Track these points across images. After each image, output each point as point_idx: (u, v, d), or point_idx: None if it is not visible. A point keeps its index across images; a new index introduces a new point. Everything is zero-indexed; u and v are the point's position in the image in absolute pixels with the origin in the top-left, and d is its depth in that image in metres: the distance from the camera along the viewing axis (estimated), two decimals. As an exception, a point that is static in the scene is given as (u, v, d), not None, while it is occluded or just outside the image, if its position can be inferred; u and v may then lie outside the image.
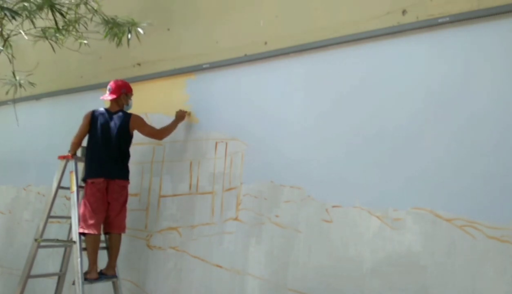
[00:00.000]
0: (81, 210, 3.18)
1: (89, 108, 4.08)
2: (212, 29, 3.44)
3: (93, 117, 3.30)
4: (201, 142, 3.33)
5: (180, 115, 3.36)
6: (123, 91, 3.36)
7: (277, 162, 2.95)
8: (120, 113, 3.32)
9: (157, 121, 3.60)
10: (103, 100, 3.41)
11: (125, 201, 3.28)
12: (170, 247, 3.32)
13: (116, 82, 3.38)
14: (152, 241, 3.46)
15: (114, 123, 3.27)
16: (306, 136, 2.86)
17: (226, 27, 3.37)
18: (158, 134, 3.33)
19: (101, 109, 3.35)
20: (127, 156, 3.32)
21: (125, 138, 3.29)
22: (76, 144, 3.37)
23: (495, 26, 2.37)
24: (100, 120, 3.28)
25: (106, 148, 3.22)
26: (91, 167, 3.24)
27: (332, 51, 2.86)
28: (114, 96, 3.33)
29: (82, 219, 3.15)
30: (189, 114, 3.40)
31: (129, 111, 3.38)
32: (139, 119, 3.33)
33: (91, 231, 3.12)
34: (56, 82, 4.37)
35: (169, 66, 3.62)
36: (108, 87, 3.35)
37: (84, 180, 3.26)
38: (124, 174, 3.28)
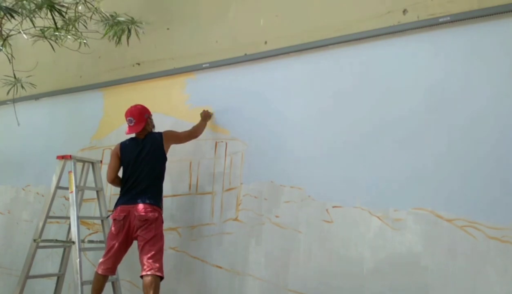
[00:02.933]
0: None
1: (88, 108, 4.12)
2: (212, 29, 3.43)
3: (122, 149, 3.08)
4: (201, 142, 3.32)
5: (206, 115, 3.21)
6: (146, 116, 3.10)
7: (277, 162, 2.94)
8: (151, 136, 3.08)
9: (157, 121, 3.59)
10: (129, 134, 3.10)
11: (154, 236, 2.87)
12: (169, 247, 3.31)
13: (135, 110, 3.08)
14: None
15: (146, 147, 3.02)
16: (306, 136, 2.85)
17: (226, 26, 3.36)
18: (194, 133, 3.15)
19: (128, 139, 3.12)
20: (161, 180, 3.05)
21: (160, 160, 3.04)
22: (114, 180, 3.12)
23: (496, 25, 2.38)
24: (128, 150, 3.05)
25: (133, 176, 2.99)
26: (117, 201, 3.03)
27: (333, 50, 2.85)
28: (142, 126, 3.06)
29: None
30: (213, 114, 3.26)
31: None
32: (171, 132, 3.11)
33: (97, 269, 2.98)
34: (55, 82, 4.36)
35: (169, 66, 3.61)
36: (129, 118, 3.06)
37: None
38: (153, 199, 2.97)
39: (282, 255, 2.81)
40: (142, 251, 2.86)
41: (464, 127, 2.37)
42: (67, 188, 3.29)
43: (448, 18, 2.47)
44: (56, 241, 3.42)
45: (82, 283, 3.04)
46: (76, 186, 3.24)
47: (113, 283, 3.27)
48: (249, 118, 3.12)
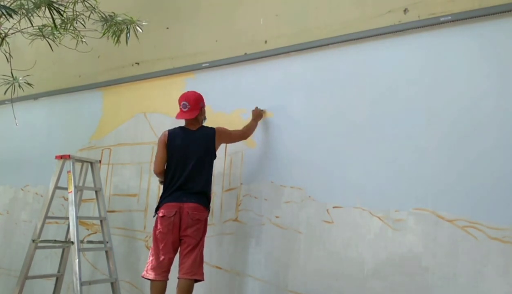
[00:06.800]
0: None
1: (88, 108, 4.11)
2: (211, 28, 3.41)
3: (169, 139, 2.83)
4: (201, 142, 3.30)
5: (258, 113, 3.00)
6: (201, 105, 2.89)
7: (277, 162, 2.92)
8: (203, 130, 2.86)
9: (156, 120, 3.58)
10: (180, 119, 2.86)
11: (201, 238, 2.75)
12: (169, 248, 3.29)
13: (192, 95, 2.88)
14: (151, 242, 3.42)
15: (198, 141, 2.80)
16: (306, 136, 2.84)
17: (225, 25, 3.34)
18: (246, 133, 2.95)
19: (177, 128, 2.88)
20: (211, 179, 2.85)
21: (211, 157, 2.84)
22: (162, 172, 2.86)
23: (497, 25, 2.37)
24: (177, 140, 2.80)
25: (184, 171, 2.76)
26: (164, 197, 2.80)
27: (333, 50, 2.84)
28: (196, 113, 2.84)
29: (148, 261, 2.78)
30: (265, 111, 3.03)
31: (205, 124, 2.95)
32: (224, 130, 2.89)
33: (149, 276, 2.70)
34: (54, 82, 4.34)
35: (168, 65, 3.60)
36: (184, 102, 2.84)
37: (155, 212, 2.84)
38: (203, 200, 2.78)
39: (282, 256, 2.79)
40: (187, 252, 2.68)
41: (466, 127, 2.36)
42: (66, 188, 3.28)
43: (449, 18, 2.46)
44: (55, 241, 3.40)
45: (81, 284, 3.02)
46: (75, 186, 3.23)
47: (112, 284, 3.26)
48: (248, 117, 3.10)
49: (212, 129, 2.87)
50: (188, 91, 2.97)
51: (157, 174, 2.91)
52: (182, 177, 2.77)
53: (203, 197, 2.77)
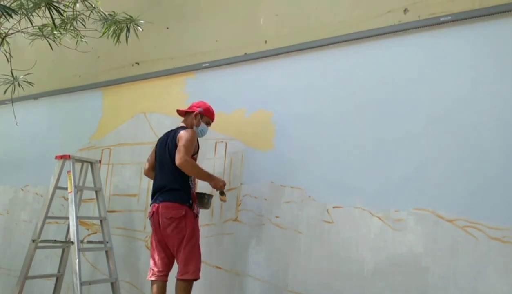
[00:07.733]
0: None
1: (87, 108, 4.11)
2: (211, 28, 3.41)
3: (158, 140, 2.94)
4: (200, 142, 3.30)
5: (217, 183, 2.83)
6: (198, 110, 2.90)
7: (277, 162, 2.92)
8: (178, 130, 2.83)
9: (156, 120, 3.58)
10: (179, 112, 3.01)
11: (184, 236, 2.68)
12: (169, 248, 3.29)
13: (200, 102, 2.99)
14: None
15: (169, 141, 2.81)
16: (306, 136, 2.84)
17: (225, 25, 3.35)
18: (185, 162, 2.65)
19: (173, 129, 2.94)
20: (182, 177, 2.74)
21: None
22: (146, 172, 2.97)
23: (497, 25, 2.37)
24: (160, 141, 2.90)
25: (161, 171, 2.81)
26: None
27: (333, 50, 2.84)
28: (184, 112, 2.95)
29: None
30: (224, 196, 2.88)
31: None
32: (181, 136, 2.74)
33: (148, 277, 2.76)
34: (54, 82, 4.34)
35: (168, 65, 3.60)
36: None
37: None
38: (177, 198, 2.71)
39: (282, 256, 2.79)
40: (176, 253, 2.69)
41: (465, 127, 2.36)
42: (66, 188, 3.28)
43: (449, 18, 2.46)
44: (55, 241, 3.40)
45: (81, 284, 3.02)
46: (75, 186, 3.22)
47: (112, 284, 3.26)
48: (248, 117, 3.10)
49: (184, 129, 2.82)
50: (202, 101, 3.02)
51: (145, 175, 3.04)
52: (158, 177, 2.84)
53: (175, 193, 2.70)
